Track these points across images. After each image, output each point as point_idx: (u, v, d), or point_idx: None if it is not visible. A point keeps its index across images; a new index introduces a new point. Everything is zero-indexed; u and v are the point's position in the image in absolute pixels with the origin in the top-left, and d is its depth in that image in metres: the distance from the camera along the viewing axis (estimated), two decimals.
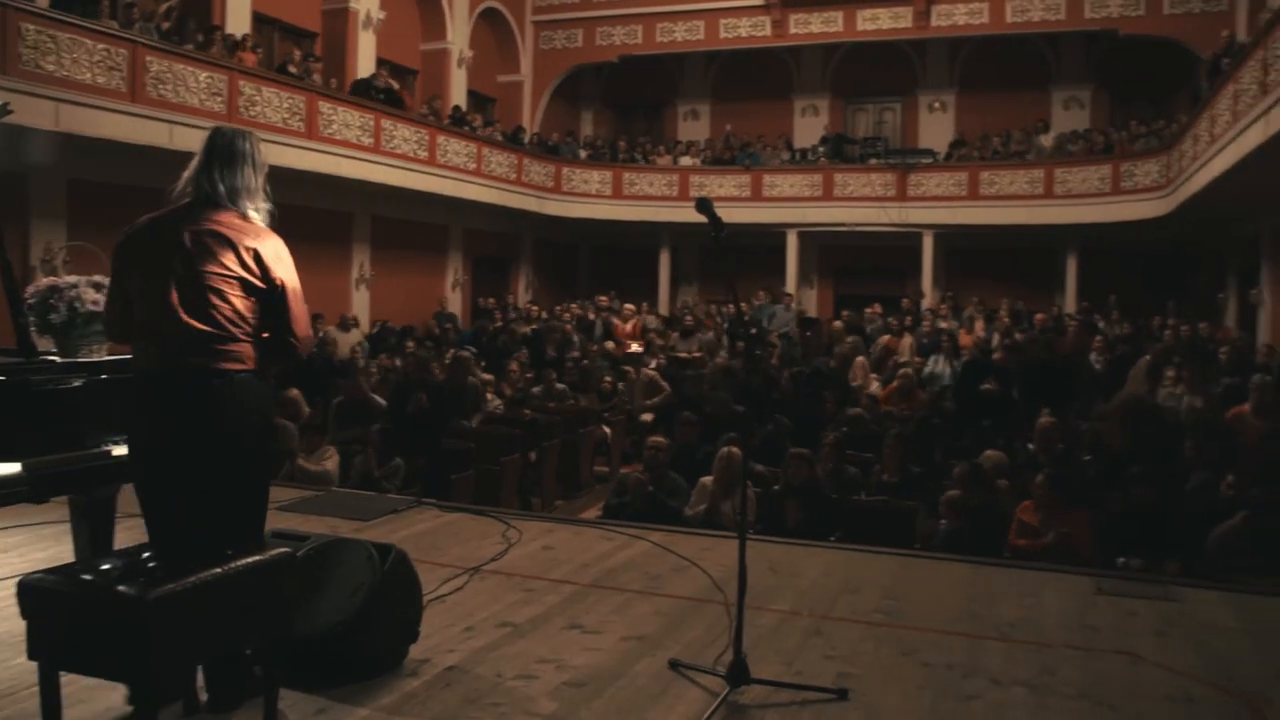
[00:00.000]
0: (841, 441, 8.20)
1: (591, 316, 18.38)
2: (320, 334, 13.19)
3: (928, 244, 20.83)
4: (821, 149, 22.40)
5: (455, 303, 20.42)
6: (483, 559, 5.39)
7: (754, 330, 15.57)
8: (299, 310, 3.35)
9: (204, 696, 3.39)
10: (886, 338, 15.00)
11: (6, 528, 5.47)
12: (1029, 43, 22.17)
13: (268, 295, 3.27)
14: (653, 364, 14.52)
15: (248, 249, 3.22)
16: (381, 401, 10.01)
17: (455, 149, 18.48)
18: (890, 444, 8.03)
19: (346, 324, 15.44)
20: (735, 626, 3.70)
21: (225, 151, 3.31)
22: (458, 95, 20.85)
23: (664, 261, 23.16)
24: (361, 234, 18.02)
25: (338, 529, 5.62)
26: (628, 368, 14.57)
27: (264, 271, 3.24)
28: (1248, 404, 8.33)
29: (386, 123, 16.44)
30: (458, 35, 21.00)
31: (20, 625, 2.86)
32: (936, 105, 23.57)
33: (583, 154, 23.34)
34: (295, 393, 9.42)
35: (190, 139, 9.83)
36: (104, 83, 11.31)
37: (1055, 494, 6.47)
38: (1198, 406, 9.28)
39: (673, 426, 9.26)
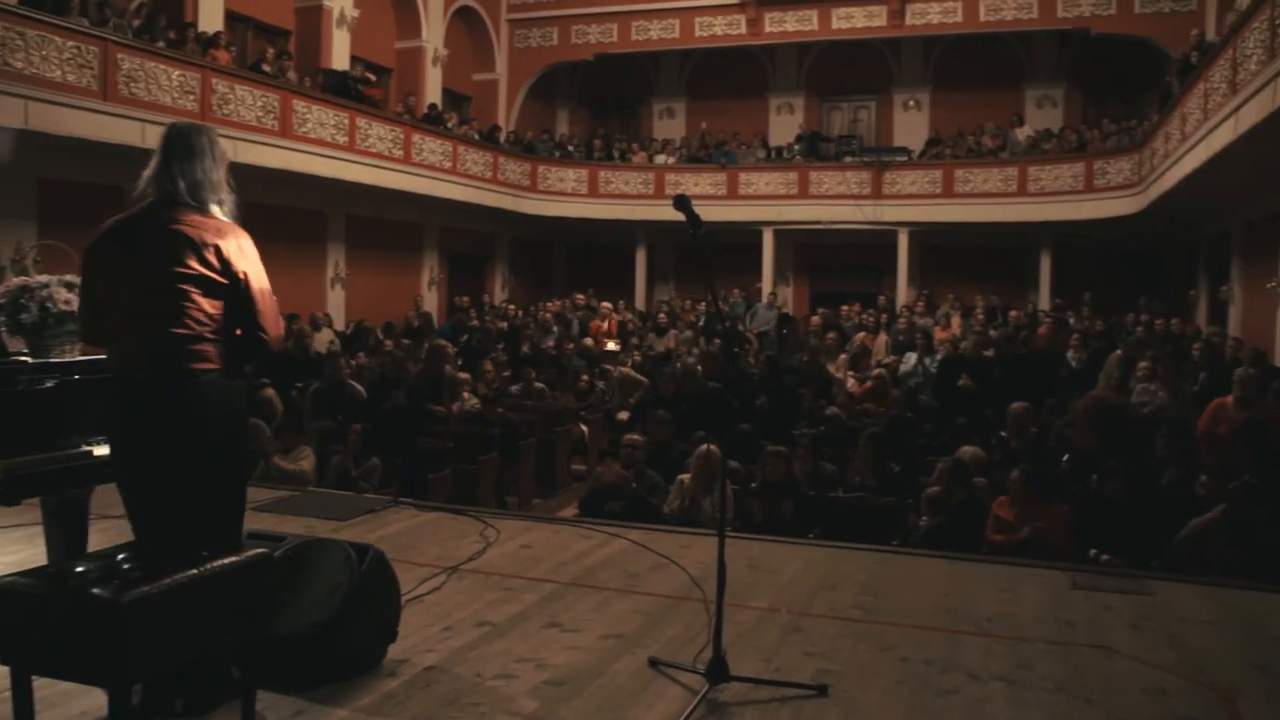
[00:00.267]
0: (818, 439, 8.22)
1: (570, 316, 18.37)
2: (296, 329, 13.09)
3: (903, 241, 20.91)
4: (797, 147, 22.44)
5: (431, 302, 20.36)
6: (461, 558, 5.38)
7: (727, 324, 15.60)
8: (265, 305, 3.33)
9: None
10: (862, 335, 15.04)
11: None
12: (1002, 41, 22.29)
13: (231, 291, 3.25)
14: (629, 363, 14.52)
15: (209, 246, 3.20)
16: (359, 387, 9.96)
17: (431, 147, 18.41)
18: (863, 445, 8.04)
19: (318, 323, 15.35)
20: (714, 624, 3.70)
21: (183, 148, 3.28)
22: (433, 93, 20.78)
23: (640, 260, 23.15)
24: (336, 233, 17.94)
25: (315, 529, 5.59)
26: (608, 366, 14.56)
27: (225, 266, 3.23)
28: (1230, 396, 8.39)
29: (361, 121, 16.37)
30: (432, 33, 20.92)
31: None
32: (911, 103, 23.66)
33: (562, 151, 23.29)
34: (270, 392, 9.38)
35: None
36: (75, 81, 11.20)
37: (1031, 489, 6.50)
38: (1170, 403, 9.35)
39: (648, 424, 9.26)
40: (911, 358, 12.92)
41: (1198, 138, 12.21)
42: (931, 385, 11.67)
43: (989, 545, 6.45)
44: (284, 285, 14.41)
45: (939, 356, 12.65)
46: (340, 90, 16.58)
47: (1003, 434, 8.69)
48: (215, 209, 3.31)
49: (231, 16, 16.40)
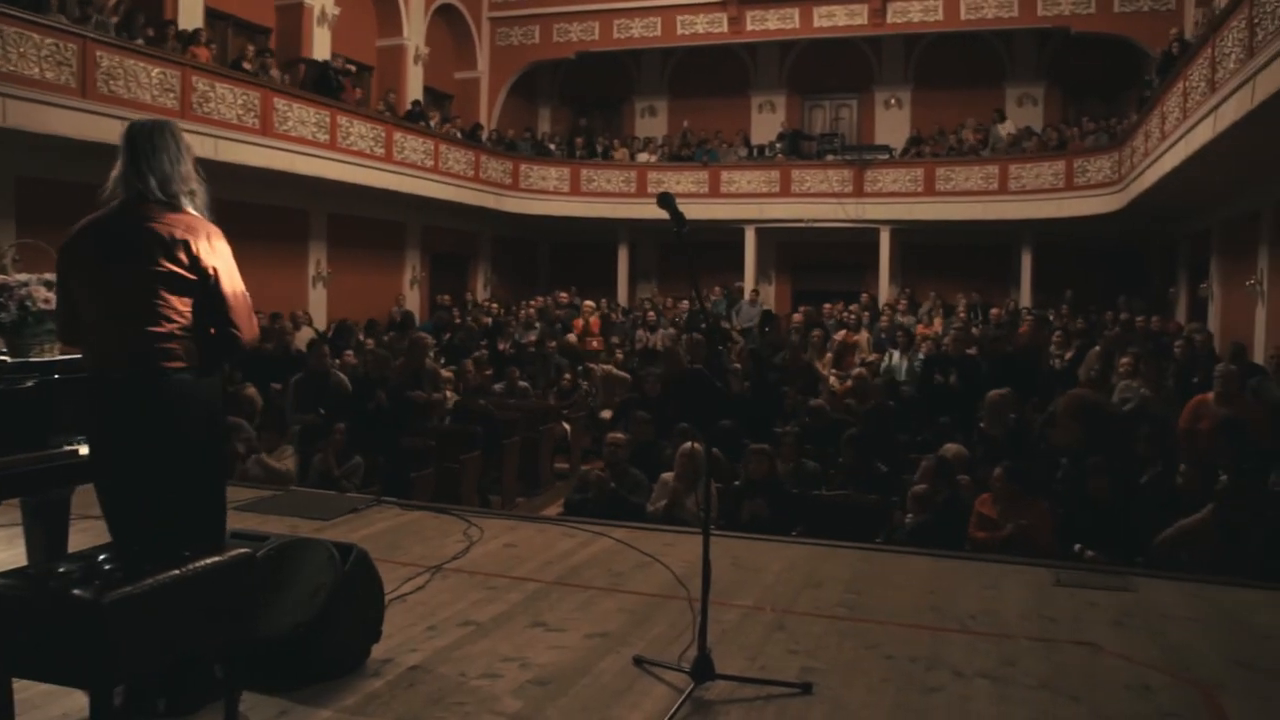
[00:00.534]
0: (801, 437, 8.22)
1: (554, 313, 18.35)
2: (278, 328, 13.04)
3: (885, 239, 20.96)
4: (779, 145, 22.48)
5: (413, 300, 20.30)
6: (445, 557, 5.36)
7: (706, 321, 15.58)
8: (237, 301, 3.32)
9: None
10: (843, 332, 15.06)
11: None
12: (983, 40, 22.38)
13: (201, 287, 3.24)
14: (612, 362, 14.51)
15: (178, 243, 3.19)
16: (344, 376, 9.92)
17: (413, 146, 18.35)
18: (845, 447, 8.03)
19: (298, 321, 15.28)
20: (699, 622, 3.70)
21: (147, 145, 3.27)
22: (414, 91, 20.73)
23: (622, 258, 23.15)
24: (318, 231, 17.87)
25: (298, 529, 5.56)
26: (593, 366, 14.55)
27: (194, 262, 3.22)
28: (1210, 393, 8.43)
29: (343, 119, 16.31)
30: (413, 31, 20.86)
31: None
32: (892, 102, 23.73)
33: (543, 150, 23.25)
34: (251, 390, 9.32)
35: None
36: (53, 78, 11.12)
37: (1014, 486, 6.52)
38: (1152, 399, 9.39)
39: (630, 424, 9.25)
40: (895, 355, 12.95)
41: (1177, 136, 12.27)
42: (915, 383, 11.68)
43: (972, 543, 6.48)
44: (265, 284, 14.50)
45: (920, 355, 12.67)
46: (322, 81, 16.50)
47: (981, 425, 8.71)
48: (187, 203, 3.30)
49: (211, 14, 16.32)
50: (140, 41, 12.96)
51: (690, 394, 9.54)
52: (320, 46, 17.99)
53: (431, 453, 9.06)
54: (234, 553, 3.05)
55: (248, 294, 3.39)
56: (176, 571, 2.83)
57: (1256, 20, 9.28)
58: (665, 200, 3.79)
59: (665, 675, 3.79)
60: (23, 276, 3.90)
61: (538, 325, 16.73)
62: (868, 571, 5.41)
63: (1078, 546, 6.27)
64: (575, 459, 12.02)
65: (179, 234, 3.20)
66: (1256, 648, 4.26)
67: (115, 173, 3.28)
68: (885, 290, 20.54)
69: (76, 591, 2.65)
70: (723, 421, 8.95)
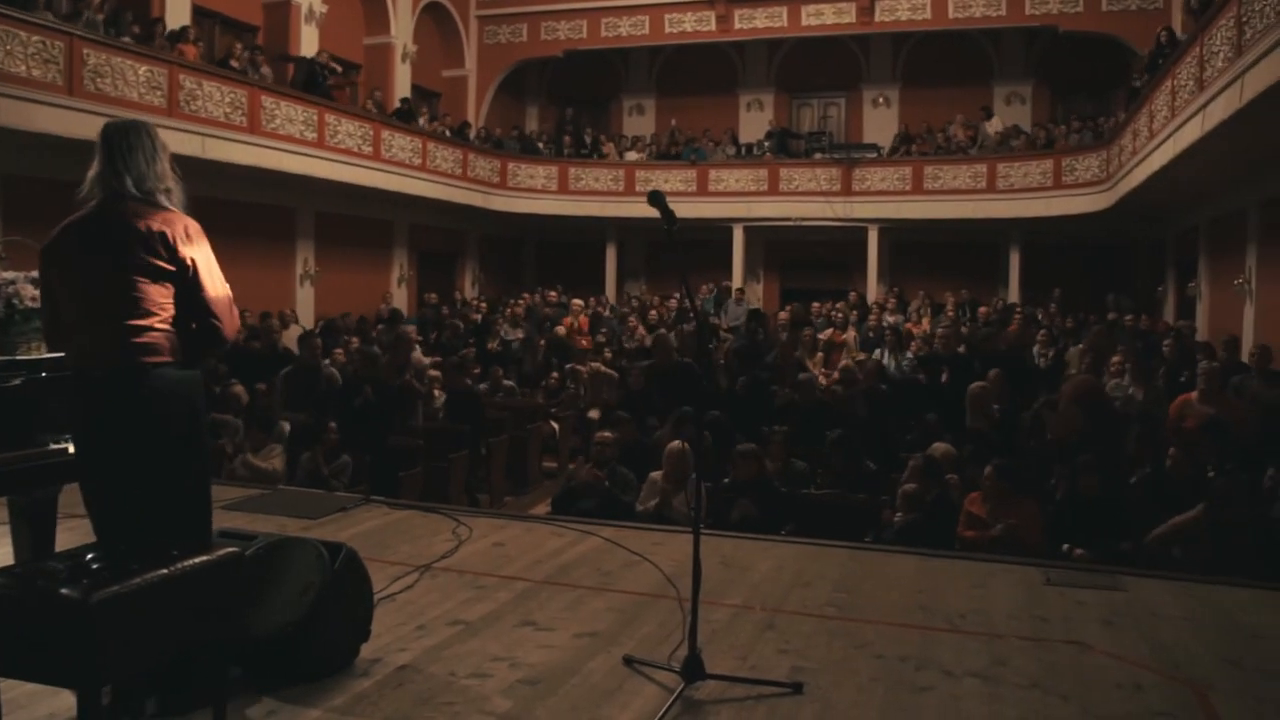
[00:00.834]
0: (790, 436, 8.21)
1: (545, 311, 18.31)
2: (265, 326, 12.97)
3: (873, 238, 21.00)
4: (767, 144, 22.49)
5: (401, 299, 20.25)
6: (433, 556, 5.34)
7: (694, 317, 15.56)
8: (215, 291, 3.32)
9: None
10: (830, 330, 15.05)
11: None
12: (971, 39, 22.43)
13: (179, 278, 3.24)
14: (600, 360, 14.48)
15: (155, 235, 3.19)
16: (335, 371, 9.89)
17: (400, 144, 18.32)
18: (833, 449, 8.00)
19: (285, 320, 15.22)
20: (689, 621, 3.69)
21: (122, 144, 3.26)
22: (402, 90, 20.70)
23: (610, 256, 23.15)
24: (306, 230, 17.82)
25: (286, 527, 5.53)
26: (580, 367, 14.51)
27: (172, 254, 3.21)
28: (1194, 392, 8.46)
29: (330, 117, 16.27)
30: (401, 29, 20.82)
31: None
32: (880, 100, 23.76)
33: (531, 147, 23.21)
34: (238, 389, 9.28)
35: None
36: (40, 76, 11.07)
37: (1004, 484, 6.52)
38: (1141, 398, 9.42)
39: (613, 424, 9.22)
40: (883, 353, 12.94)
41: (1165, 134, 12.31)
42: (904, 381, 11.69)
43: (962, 542, 6.48)
44: (253, 282, 14.47)
45: (909, 355, 12.68)
46: (309, 78, 16.45)
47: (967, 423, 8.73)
48: (164, 200, 3.30)
49: (198, 11, 16.28)
50: (127, 39, 12.91)
51: (676, 388, 9.51)
52: (308, 44, 17.95)
53: (419, 451, 9.04)
54: (223, 552, 3.03)
55: (228, 286, 3.39)
56: (165, 570, 2.81)
57: (1245, 19, 9.31)
58: (656, 198, 3.79)
59: (655, 675, 3.78)
60: (9, 274, 3.89)
61: (525, 325, 16.65)
62: (857, 571, 5.41)
63: (1066, 546, 6.27)
64: (563, 458, 12.01)
65: (156, 227, 3.20)
66: (1247, 646, 4.27)
67: (92, 172, 3.27)
68: (873, 289, 20.57)
69: (64, 590, 2.63)
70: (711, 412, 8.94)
